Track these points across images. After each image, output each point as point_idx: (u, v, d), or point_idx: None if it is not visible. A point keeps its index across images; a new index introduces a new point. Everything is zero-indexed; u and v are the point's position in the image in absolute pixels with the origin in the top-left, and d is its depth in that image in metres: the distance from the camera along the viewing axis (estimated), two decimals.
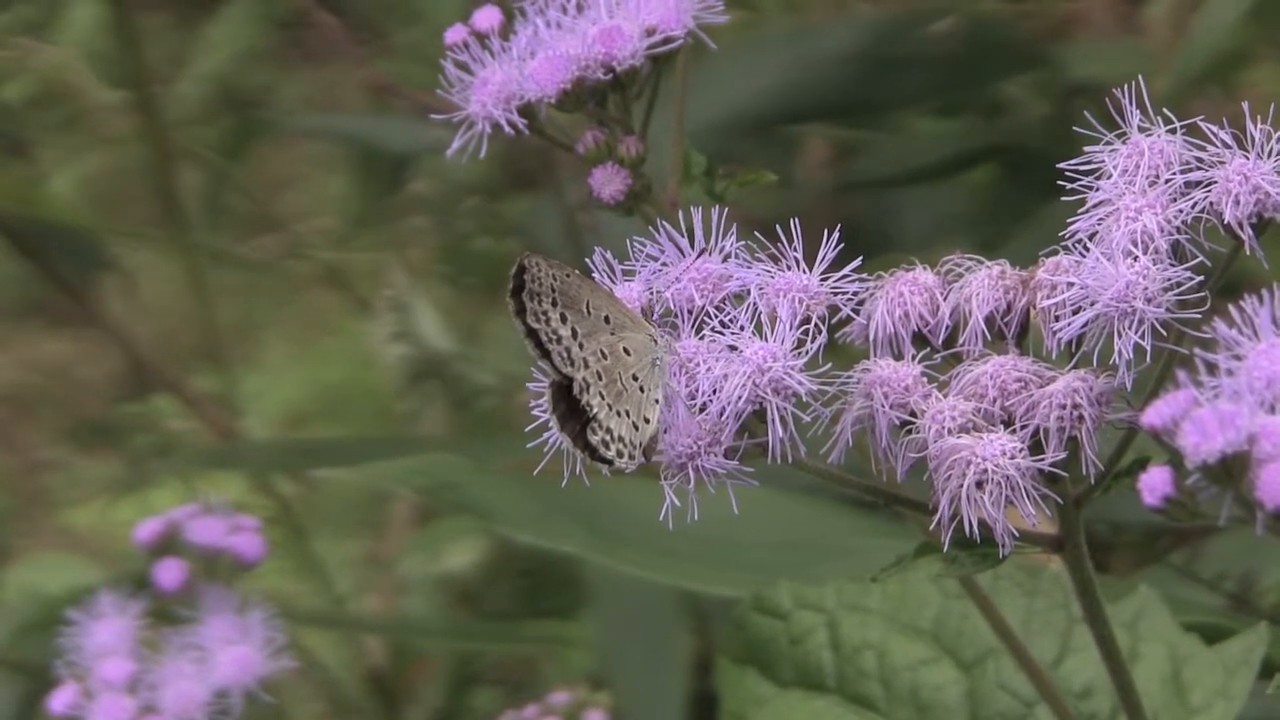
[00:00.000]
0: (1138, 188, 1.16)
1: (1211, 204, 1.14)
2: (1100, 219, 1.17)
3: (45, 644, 1.77)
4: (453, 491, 2.09)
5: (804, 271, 1.22)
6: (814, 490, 1.99)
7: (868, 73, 2.79)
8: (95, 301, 3.17)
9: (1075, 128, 1.22)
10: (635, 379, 1.21)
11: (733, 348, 1.19)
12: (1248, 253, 1.14)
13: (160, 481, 3.14)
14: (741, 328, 1.20)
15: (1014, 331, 1.21)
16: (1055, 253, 1.20)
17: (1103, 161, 1.19)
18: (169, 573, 1.75)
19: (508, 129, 1.38)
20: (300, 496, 3.20)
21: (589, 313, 1.23)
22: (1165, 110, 1.18)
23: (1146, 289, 1.13)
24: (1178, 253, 1.15)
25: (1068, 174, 1.19)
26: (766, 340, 1.18)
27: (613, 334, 1.22)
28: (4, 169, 3.25)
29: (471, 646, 3.06)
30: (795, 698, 1.63)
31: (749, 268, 1.23)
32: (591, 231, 2.63)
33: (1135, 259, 1.14)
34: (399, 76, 3.15)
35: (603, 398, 1.21)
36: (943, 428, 1.15)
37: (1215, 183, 1.15)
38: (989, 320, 1.20)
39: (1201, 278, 1.14)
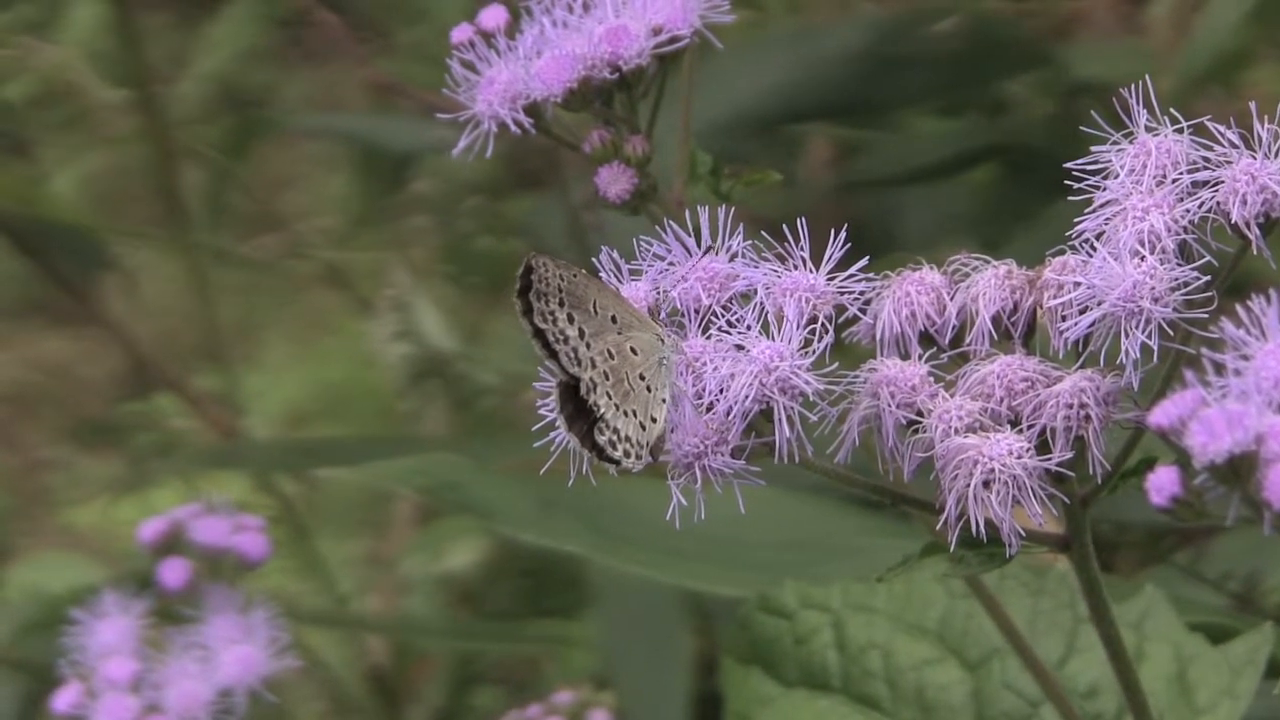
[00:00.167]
0: (1145, 187, 1.16)
1: (1218, 203, 1.14)
2: (1107, 218, 1.17)
3: (48, 643, 1.77)
4: (454, 491, 2.09)
5: (810, 271, 1.22)
6: (820, 490, 1.99)
7: (871, 72, 2.79)
8: (97, 301, 3.17)
9: (1079, 127, 1.22)
10: (642, 378, 1.21)
11: (739, 347, 1.19)
12: (1255, 252, 1.14)
13: (162, 481, 3.14)
14: (748, 327, 1.20)
15: (1021, 331, 1.21)
16: (1061, 252, 1.19)
17: (1109, 161, 1.19)
18: (173, 572, 1.75)
19: (514, 128, 1.38)
20: (302, 496, 3.20)
21: (596, 312, 1.23)
22: (1171, 110, 1.18)
23: (1154, 289, 1.13)
24: (1185, 252, 1.15)
25: (1071, 173, 1.19)
26: (773, 340, 1.18)
27: (620, 334, 1.22)
28: (5, 168, 3.25)
29: (473, 646, 3.06)
30: (800, 697, 1.63)
31: (755, 267, 1.23)
32: (597, 231, 2.63)
33: (1142, 259, 1.14)
34: (401, 75, 3.16)
35: (610, 397, 1.21)
36: (949, 427, 1.15)
37: (1222, 182, 1.15)
38: (996, 320, 1.20)
39: (1209, 277, 1.14)
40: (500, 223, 3.25)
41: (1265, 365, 1.05)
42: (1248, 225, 1.14)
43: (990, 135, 3.03)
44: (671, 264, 1.25)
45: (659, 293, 1.25)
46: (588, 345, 1.22)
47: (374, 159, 3.33)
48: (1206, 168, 1.16)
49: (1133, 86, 1.18)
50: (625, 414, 1.21)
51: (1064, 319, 1.17)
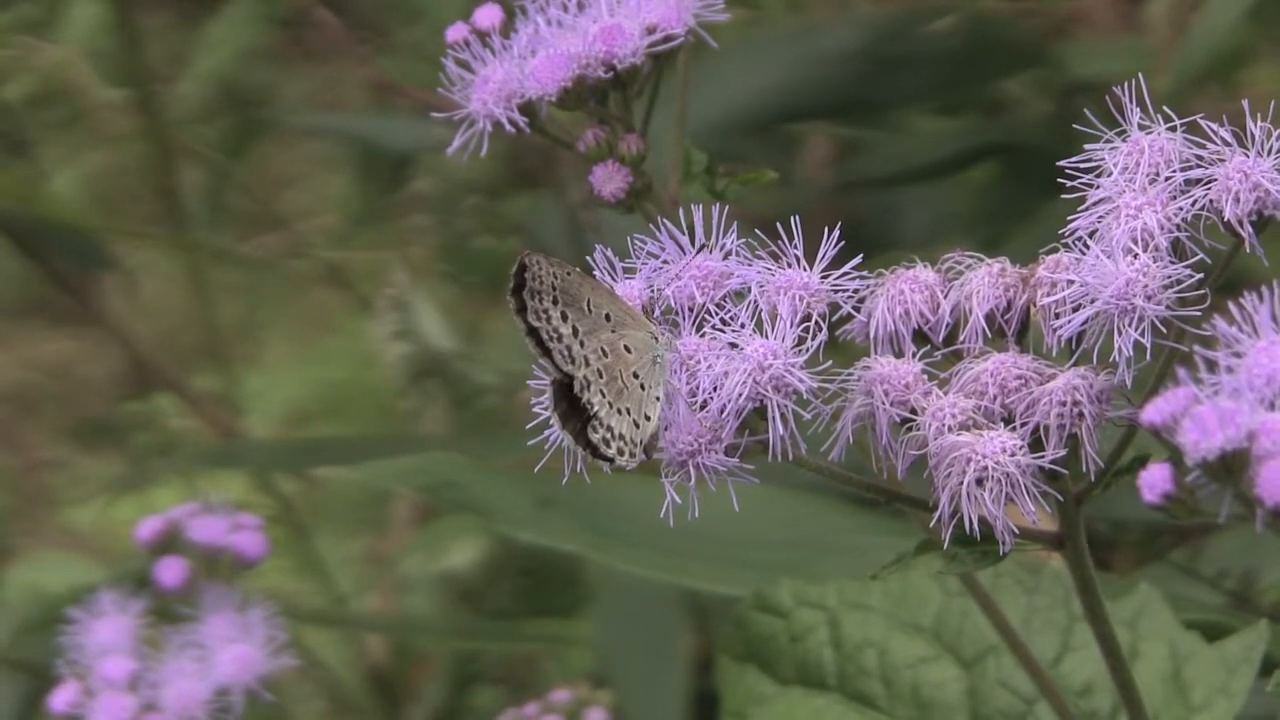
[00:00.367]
0: (1138, 185, 1.16)
1: (1211, 201, 1.15)
2: (1100, 216, 1.17)
3: (46, 643, 1.77)
4: (454, 490, 2.09)
5: (804, 269, 1.22)
6: (815, 488, 1.99)
7: (868, 71, 2.79)
8: (96, 300, 3.17)
9: (1076, 125, 1.22)
10: (636, 376, 1.21)
11: (733, 345, 1.19)
12: (1248, 250, 1.14)
13: (162, 480, 3.15)
14: (742, 325, 1.20)
15: (1014, 329, 1.21)
16: (1056, 250, 1.20)
17: (1103, 159, 1.19)
18: (170, 571, 1.75)
19: (509, 127, 1.39)
20: (301, 495, 3.20)
21: (590, 310, 1.23)
22: (1165, 108, 1.18)
23: (1146, 286, 1.13)
24: (1178, 250, 1.15)
25: (1068, 172, 1.19)
26: (767, 337, 1.18)
27: (613, 331, 1.23)
28: (5, 168, 3.25)
29: (473, 645, 3.06)
30: (796, 696, 1.63)
31: (750, 265, 1.23)
32: (593, 229, 2.63)
33: (1135, 256, 1.14)
34: (400, 75, 3.16)
35: (604, 395, 1.21)
36: (943, 425, 1.15)
37: (1215, 180, 1.15)
38: (989, 318, 1.20)
39: (1201, 275, 1.14)
40: (499, 222, 3.25)
41: (1257, 362, 1.05)
42: (1240, 223, 1.14)
43: (989, 134, 3.03)
44: (666, 262, 1.25)
45: (653, 291, 1.25)
46: (581, 343, 1.22)
47: (373, 158, 3.33)
48: (1200, 165, 1.16)
49: (1127, 85, 1.18)
50: (619, 412, 1.21)
51: (1057, 316, 1.17)
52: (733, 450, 1.18)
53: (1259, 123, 1.15)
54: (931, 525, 1.15)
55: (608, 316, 1.23)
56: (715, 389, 1.17)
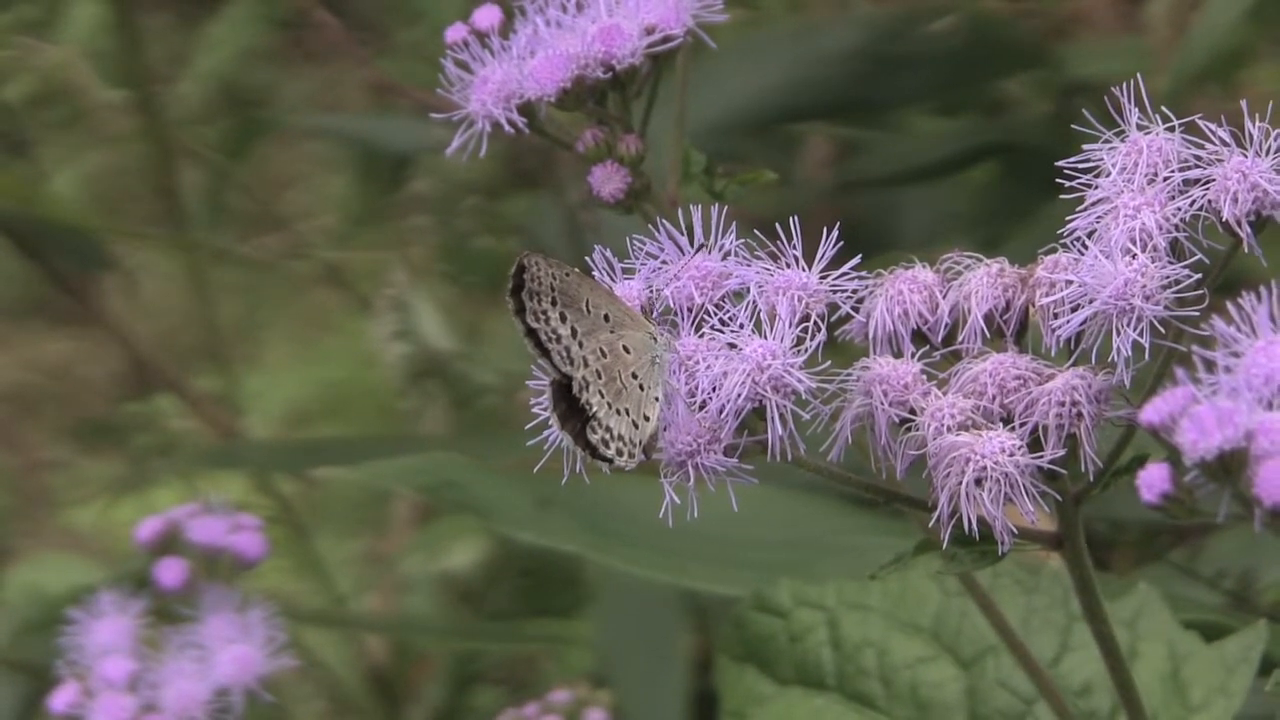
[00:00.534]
0: (1136, 185, 1.16)
1: (1210, 201, 1.15)
2: (1099, 217, 1.17)
3: (46, 643, 1.77)
4: (454, 490, 2.09)
5: (803, 269, 1.22)
6: (813, 488, 1.99)
7: (868, 71, 2.79)
8: (96, 301, 3.17)
9: (1075, 126, 1.22)
10: (635, 377, 1.22)
11: (732, 345, 1.19)
12: (1246, 250, 1.14)
13: (162, 481, 3.15)
14: (741, 325, 1.20)
15: (1013, 329, 1.21)
16: (1054, 250, 1.20)
17: (1101, 160, 1.19)
18: (170, 571, 1.75)
19: (508, 128, 1.39)
20: (301, 495, 3.20)
21: (588, 311, 1.23)
22: (1164, 108, 1.18)
23: (1145, 286, 1.13)
24: (1176, 250, 1.15)
25: (1068, 172, 1.19)
26: (766, 338, 1.18)
27: (612, 332, 1.23)
28: (5, 168, 3.25)
29: (472, 645, 3.06)
30: (795, 696, 1.63)
31: (748, 265, 1.23)
32: (592, 230, 2.63)
33: (1134, 256, 1.14)
34: (400, 76, 3.16)
35: (602, 396, 1.21)
36: (942, 425, 1.15)
37: (1213, 180, 1.15)
38: (988, 318, 1.21)
39: (1200, 275, 1.14)
40: (498, 222, 3.25)
41: (1256, 362, 1.05)
42: (1239, 223, 1.14)
43: (988, 134, 3.03)
44: (665, 262, 1.25)
45: (652, 291, 1.25)
46: (580, 344, 1.22)
47: (373, 159, 3.33)
48: (1198, 166, 1.16)
49: (1126, 85, 1.18)
50: (618, 412, 1.21)
51: (1056, 317, 1.17)
52: (731, 450, 1.18)
53: (1257, 123, 1.15)
54: (930, 525, 1.16)
55: (606, 317, 1.23)
56: (714, 389, 1.17)
